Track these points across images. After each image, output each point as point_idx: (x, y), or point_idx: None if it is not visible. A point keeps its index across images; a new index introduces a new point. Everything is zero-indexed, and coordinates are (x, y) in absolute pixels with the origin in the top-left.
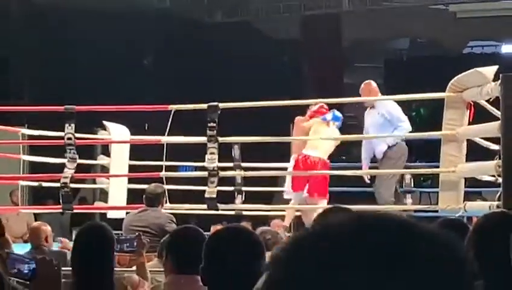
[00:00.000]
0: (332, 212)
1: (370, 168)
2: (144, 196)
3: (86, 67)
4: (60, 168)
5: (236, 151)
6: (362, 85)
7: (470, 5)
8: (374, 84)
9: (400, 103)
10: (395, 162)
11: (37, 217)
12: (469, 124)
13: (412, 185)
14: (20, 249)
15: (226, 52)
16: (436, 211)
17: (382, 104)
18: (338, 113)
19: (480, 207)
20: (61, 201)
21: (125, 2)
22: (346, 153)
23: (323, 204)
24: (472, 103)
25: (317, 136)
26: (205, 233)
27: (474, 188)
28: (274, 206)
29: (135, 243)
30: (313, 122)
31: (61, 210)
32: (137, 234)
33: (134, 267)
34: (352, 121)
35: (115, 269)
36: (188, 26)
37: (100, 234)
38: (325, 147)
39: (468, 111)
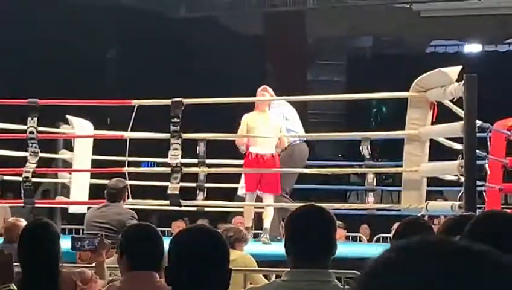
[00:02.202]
0: (307, 209)
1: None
2: (105, 191)
3: (48, 61)
4: (22, 162)
5: (201, 148)
6: (260, 90)
7: (433, 4)
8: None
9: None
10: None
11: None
12: (432, 123)
13: (375, 183)
14: None
15: (190, 47)
16: (398, 210)
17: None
18: None
19: (442, 207)
20: (22, 195)
21: None
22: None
23: (271, 200)
24: (436, 103)
25: (266, 131)
26: (166, 229)
27: (435, 187)
28: (237, 203)
29: (96, 243)
30: (245, 119)
31: (22, 204)
32: (100, 234)
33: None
34: (315, 119)
35: (76, 264)
36: (152, 21)
37: (43, 230)
38: (271, 141)
39: (432, 111)
